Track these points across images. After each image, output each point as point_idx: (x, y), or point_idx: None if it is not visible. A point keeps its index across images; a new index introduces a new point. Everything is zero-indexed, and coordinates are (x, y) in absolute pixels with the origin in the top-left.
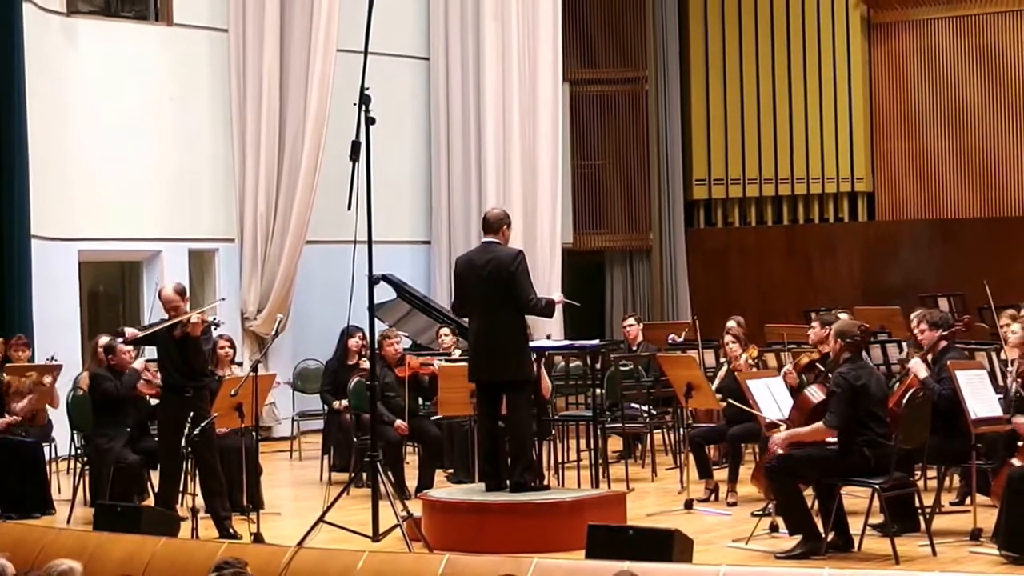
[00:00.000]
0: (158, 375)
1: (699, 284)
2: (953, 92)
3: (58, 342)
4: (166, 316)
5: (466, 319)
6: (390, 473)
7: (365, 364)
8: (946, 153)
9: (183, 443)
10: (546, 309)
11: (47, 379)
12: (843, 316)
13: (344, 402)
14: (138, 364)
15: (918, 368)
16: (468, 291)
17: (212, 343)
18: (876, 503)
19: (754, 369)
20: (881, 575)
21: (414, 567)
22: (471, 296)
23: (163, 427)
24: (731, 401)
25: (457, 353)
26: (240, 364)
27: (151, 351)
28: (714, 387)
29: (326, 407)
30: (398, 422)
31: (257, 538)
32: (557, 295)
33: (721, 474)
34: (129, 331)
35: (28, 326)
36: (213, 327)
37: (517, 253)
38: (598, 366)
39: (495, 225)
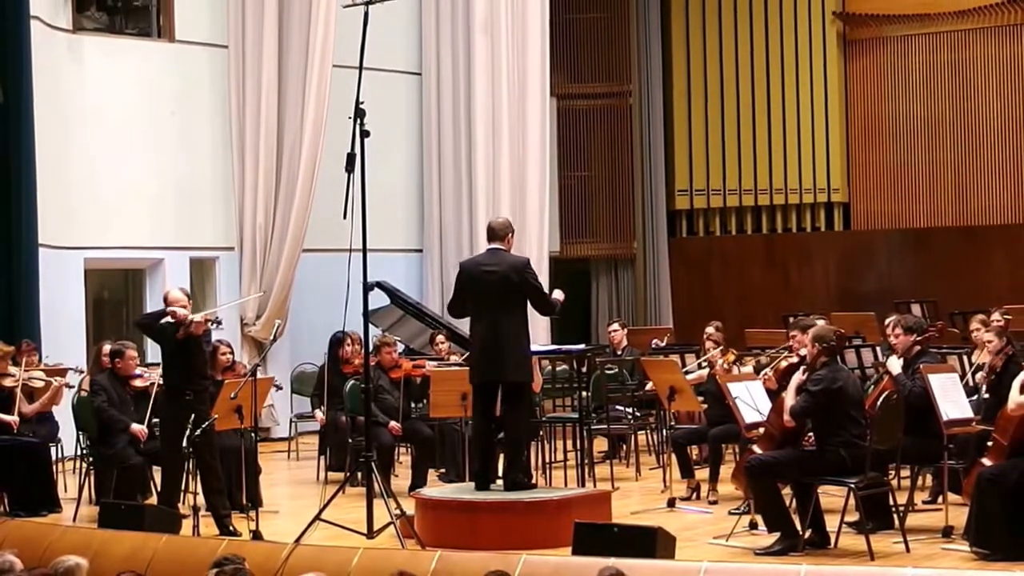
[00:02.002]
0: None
1: (681, 291)
2: (926, 106)
3: (64, 347)
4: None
5: (457, 321)
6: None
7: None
8: (919, 165)
9: (185, 443)
10: (558, 308)
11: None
12: (820, 322)
13: (320, 414)
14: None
15: (893, 365)
16: (472, 295)
17: (212, 347)
18: (852, 501)
19: (735, 372)
20: (856, 571)
21: (407, 563)
22: (475, 300)
23: (165, 428)
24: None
25: (454, 359)
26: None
27: (153, 355)
28: (689, 378)
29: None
30: (392, 423)
31: (256, 535)
32: (559, 292)
33: (702, 473)
34: (181, 312)
35: (35, 331)
36: (215, 325)
37: (527, 261)
38: (584, 370)
39: (500, 233)
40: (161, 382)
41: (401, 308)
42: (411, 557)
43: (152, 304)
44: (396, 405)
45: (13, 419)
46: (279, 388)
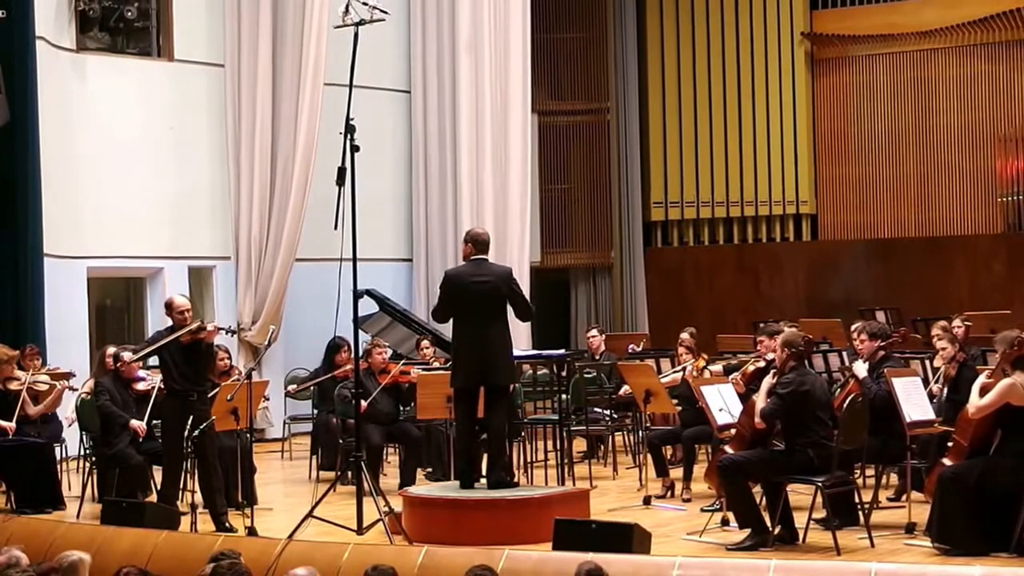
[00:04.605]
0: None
1: (656, 298)
2: (890, 122)
3: (68, 352)
4: (172, 324)
5: (442, 327)
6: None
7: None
8: (883, 178)
9: (186, 443)
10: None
11: (66, 391)
12: (788, 328)
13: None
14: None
15: (859, 369)
16: (461, 304)
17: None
18: (819, 499)
19: (707, 375)
20: (823, 566)
21: (395, 558)
22: (464, 308)
23: (168, 428)
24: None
25: (436, 364)
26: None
27: (154, 359)
28: (664, 381)
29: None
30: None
31: (251, 531)
32: None
33: (676, 472)
34: (126, 355)
35: (40, 337)
36: (230, 333)
37: (511, 270)
38: (564, 374)
39: (486, 245)
40: (162, 385)
41: (389, 315)
42: (399, 552)
43: (153, 310)
44: (384, 409)
45: (10, 425)
46: (267, 399)
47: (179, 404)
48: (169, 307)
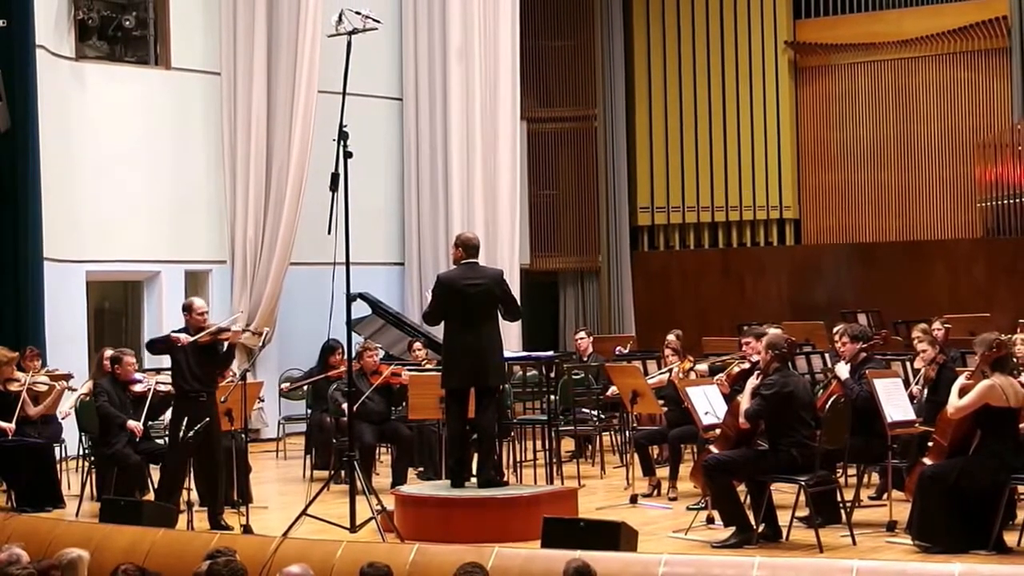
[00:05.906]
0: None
1: (643, 301)
2: (871, 129)
3: (67, 354)
4: (184, 326)
5: (434, 330)
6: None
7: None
8: (865, 184)
9: (188, 444)
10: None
11: (65, 391)
12: (772, 330)
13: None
14: (132, 424)
15: (841, 371)
16: (456, 306)
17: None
18: (802, 498)
19: (693, 376)
20: (806, 563)
21: (387, 555)
22: (459, 310)
23: (176, 430)
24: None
25: (429, 365)
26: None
27: (150, 361)
28: (651, 382)
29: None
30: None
31: (246, 529)
32: None
33: (663, 472)
34: (184, 337)
35: (40, 339)
36: (257, 335)
37: (502, 272)
38: (552, 375)
39: (476, 248)
40: (158, 387)
41: (382, 317)
42: (391, 550)
43: (149, 313)
44: (376, 409)
45: (10, 426)
46: (262, 400)
47: (190, 405)
48: (188, 309)
